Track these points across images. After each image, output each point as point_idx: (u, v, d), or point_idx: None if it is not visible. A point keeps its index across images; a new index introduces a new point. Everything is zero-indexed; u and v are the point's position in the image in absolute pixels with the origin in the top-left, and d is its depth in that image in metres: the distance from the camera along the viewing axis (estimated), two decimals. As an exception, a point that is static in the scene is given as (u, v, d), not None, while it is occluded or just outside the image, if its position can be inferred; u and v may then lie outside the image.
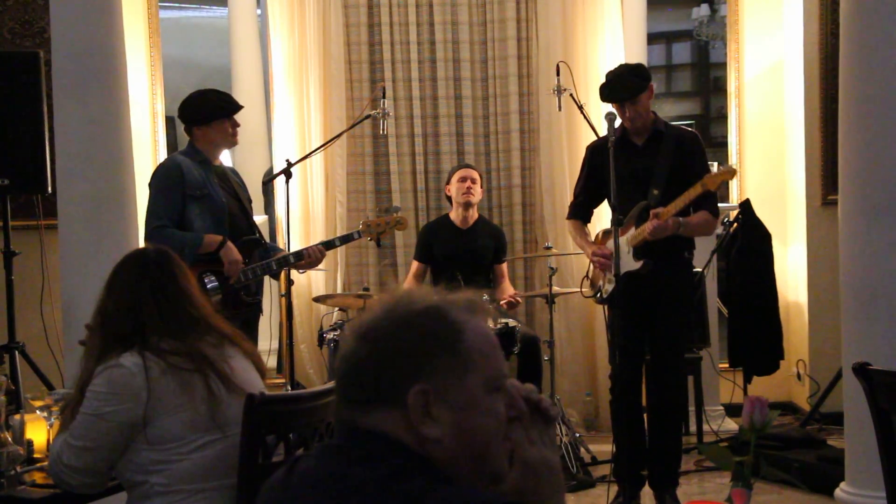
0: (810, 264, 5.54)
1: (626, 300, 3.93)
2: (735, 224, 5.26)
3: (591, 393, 5.46)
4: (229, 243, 3.97)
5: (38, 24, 5.33)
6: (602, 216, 4.81)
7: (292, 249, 4.26)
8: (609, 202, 3.97)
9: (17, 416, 2.70)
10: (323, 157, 5.49)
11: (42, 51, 4.71)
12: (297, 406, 2.42)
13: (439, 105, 5.62)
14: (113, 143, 3.86)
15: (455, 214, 5.24)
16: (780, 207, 5.75)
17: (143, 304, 2.30)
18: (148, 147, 5.62)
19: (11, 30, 5.36)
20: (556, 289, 4.86)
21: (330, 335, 4.85)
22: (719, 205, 4.20)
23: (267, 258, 4.13)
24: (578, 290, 4.43)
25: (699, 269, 4.88)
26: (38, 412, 2.67)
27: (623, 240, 3.97)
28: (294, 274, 4.46)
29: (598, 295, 4.19)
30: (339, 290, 5.50)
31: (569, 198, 4.55)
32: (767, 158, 5.83)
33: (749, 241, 5.30)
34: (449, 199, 5.28)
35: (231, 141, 4.20)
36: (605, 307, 4.21)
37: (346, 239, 4.47)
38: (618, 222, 3.87)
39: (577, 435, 4.85)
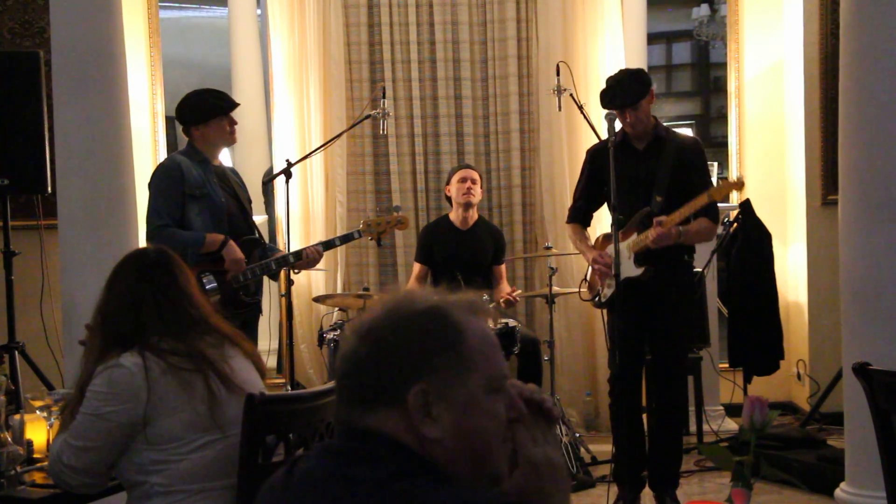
0: (810, 264, 5.54)
1: (626, 303, 3.93)
2: (735, 224, 5.26)
3: (591, 393, 5.46)
4: (231, 242, 3.97)
5: (38, 24, 5.33)
6: (602, 219, 4.81)
7: (292, 249, 4.26)
8: (609, 203, 3.98)
9: (17, 416, 2.70)
10: (323, 157, 5.49)
11: (42, 51, 4.71)
12: (297, 406, 2.42)
13: (439, 105, 5.62)
14: (113, 143, 3.86)
15: (455, 215, 5.24)
16: (780, 207, 5.75)
17: (143, 304, 2.30)
18: (148, 147, 5.62)
19: (11, 30, 5.37)
20: (556, 289, 4.86)
21: (330, 335, 4.85)
22: (719, 205, 4.21)
23: (266, 258, 4.13)
24: (578, 291, 4.42)
25: (699, 269, 4.88)
26: (38, 412, 2.67)
27: (624, 245, 3.97)
28: (294, 274, 4.45)
29: (597, 298, 4.19)
30: (339, 290, 5.50)
31: (569, 198, 4.55)
32: (767, 158, 5.83)
33: (749, 241, 5.30)
34: (448, 199, 5.28)
35: (230, 139, 4.21)
36: (604, 311, 4.22)
37: (346, 238, 4.47)
38: (618, 223, 3.87)
39: (577, 435, 4.85)
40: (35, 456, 2.65)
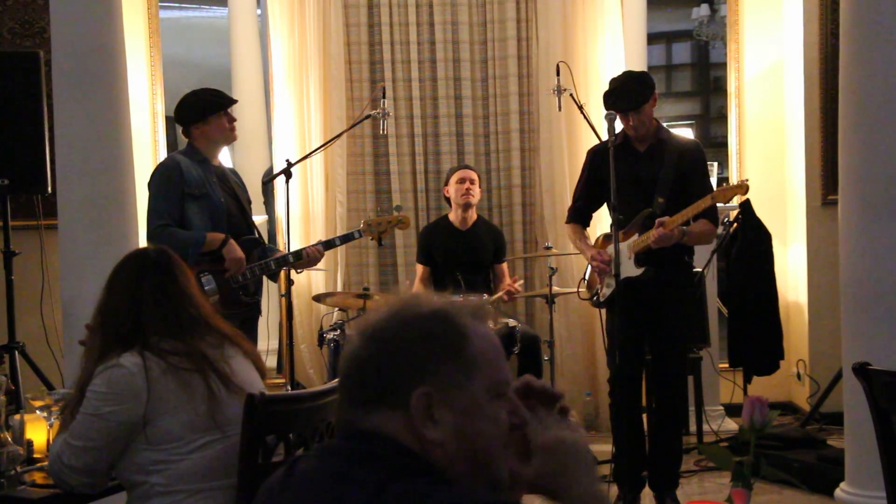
0: (810, 264, 5.54)
1: (626, 303, 3.93)
2: (735, 224, 5.26)
3: (591, 393, 5.46)
4: (232, 241, 3.98)
5: (38, 24, 5.33)
6: (602, 219, 4.81)
7: (292, 249, 4.26)
8: (608, 203, 3.98)
9: (17, 416, 2.70)
10: (323, 157, 5.49)
11: (42, 51, 4.71)
12: (297, 406, 2.42)
13: (439, 105, 5.62)
14: (113, 143, 3.86)
15: (454, 215, 5.24)
16: (780, 207, 5.75)
17: (143, 304, 2.30)
18: (148, 147, 5.62)
19: (11, 30, 5.36)
20: (556, 289, 4.85)
21: (330, 335, 4.85)
22: (721, 204, 4.21)
23: (265, 258, 4.13)
24: (579, 293, 4.42)
25: (699, 269, 4.88)
26: (38, 412, 2.67)
27: (624, 245, 3.97)
28: (294, 274, 4.45)
29: (595, 298, 4.20)
30: (339, 290, 5.50)
31: (569, 198, 4.55)
32: (767, 158, 5.83)
33: (749, 241, 5.30)
34: (447, 199, 5.28)
35: (230, 136, 4.21)
36: (602, 310, 4.22)
37: (346, 238, 4.47)
38: (618, 222, 3.87)
39: (577, 435, 4.84)
40: (35, 456, 2.65)
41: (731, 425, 5.29)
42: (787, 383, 5.75)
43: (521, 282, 5.17)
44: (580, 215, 4.29)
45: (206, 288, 3.87)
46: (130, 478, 2.27)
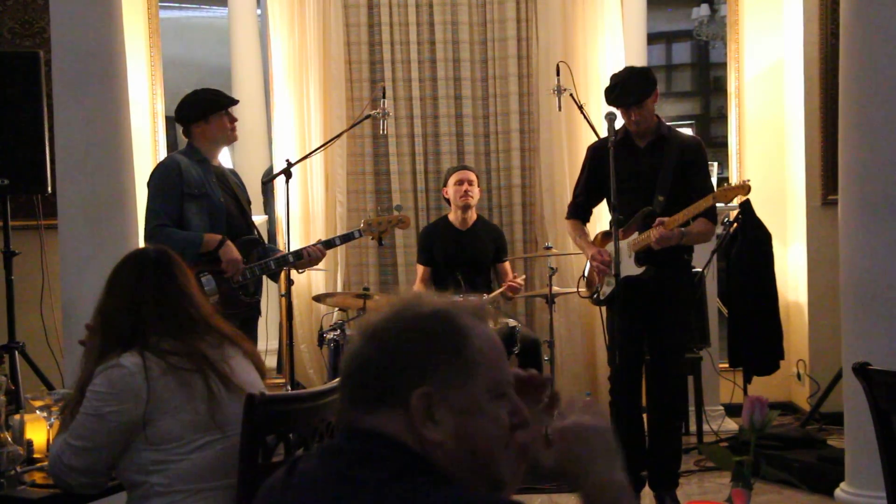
0: (810, 264, 5.54)
1: (625, 302, 3.93)
2: (735, 224, 5.26)
3: (591, 393, 5.46)
4: (228, 242, 3.97)
5: (38, 24, 5.32)
6: (602, 217, 4.81)
7: (292, 249, 4.26)
8: (608, 203, 3.98)
9: (17, 416, 2.70)
10: (323, 157, 5.49)
11: (42, 51, 4.71)
12: (297, 406, 2.42)
13: (439, 105, 5.62)
14: (113, 143, 3.86)
15: (454, 216, 5.24)
16: (780, 207, 5.75)
17: (143, 304, 2.30)
18: (148, 147, 5.62)
19: (11, 30, 5.36)
20: (556, 289, 4.86)
21: (330, 335, 4.85)
22: (721, 204, 4.21)
23: (265, 258, 4.13)
24: (579, 292, 4.42)
25: (699, 269, 4.88)
26: (38, 412, 2.67)
27: (624, 244, 3.97)
28: (294, 274, 4.46)
29: (595, 296, 4.20)
30: (339, 290, 5.50)
31: (569, 198, 4.55)
32: (767, 158, 5.83)
33: (749, 241, 5.30)
34: (447, 200, 5.28)
35: (231, 136, 4.21)
36: (603, 308, 4.22)
37: (346, 238, 4.47)
38: (618, 222, 3.87)
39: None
40: (35, 456, 2.65)
41: (731, 425, 5.29)
42: (787, 383, 5.75)
43: (524, 276, 5.17)
44: (580, 211, 4.29)
45: (205, 288, 3.87)
46: (130, 478, 2.27)
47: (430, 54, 5.63)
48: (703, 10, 8.92)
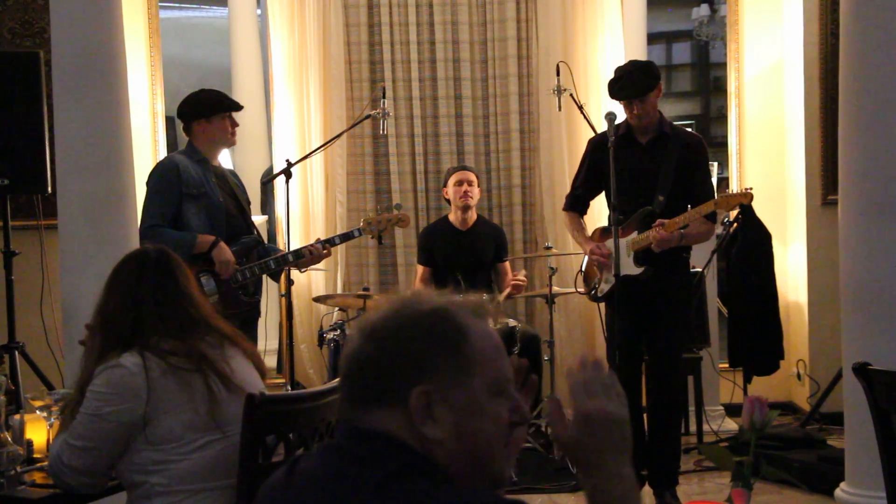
0: (810, 264, 5.54)
1: (624, 301, 3.93)
2: (735, 224, 5.26)
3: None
4: (222, 244, 3.97)
5: (38, 24, 5.32)
6: (601, 212, 4.80)
7: (292, 249, 4.26)
8: (608, 202, 3.97)
9: (17, 416, 2.70)
10: (323, 157, 5.50)
11: (42, 51, 4.71)
12: (297, 406, 2.42)
13: (439, 105, 5.62)
14: (113, 143, 3.85)
15: (454, 216, 5.24)
16: (780, 207, 5.75)
17: (143, 303, 2.30)
18: (148, 147, 5.62)
19: (11, 30, 5.36)
20: (556, 289, 4.86)
21: (330, 335, 4.85)
22: (720, 206, 4.21)
23: (265, 258, 4.14)
24: (577, 289, 4.42)
25: (699, 269, 4.88)
26: (38, 412, 2.67)
27: (623, 242, 3.96)
28: (294, 274, 4.46)
29: (593, 292, 4.19)
30: (339, 291, 5.50)
31: (569, 198, 4.55)
32: (767, 158, 5.83)
33: (749, 241, 5.30)
34: (447, 200, 5.28)
35: (230, 140, 4.23)
36: (601, 305, 4.22)
37: (346, 237, 4.47)
38: (618, 222, 3.87)
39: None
40: (35, 456, 2.65)
41: (731, 425, 5.29)
42: (787, 383, 5.75)
43: (525, 271, 5.18)
44: (578, 203, 4.29)
45: (204, 289, 3.87)
46: (130, 478, 2.27)
47: (430, 54, 5.63)
48: (703, 10, 8.92)
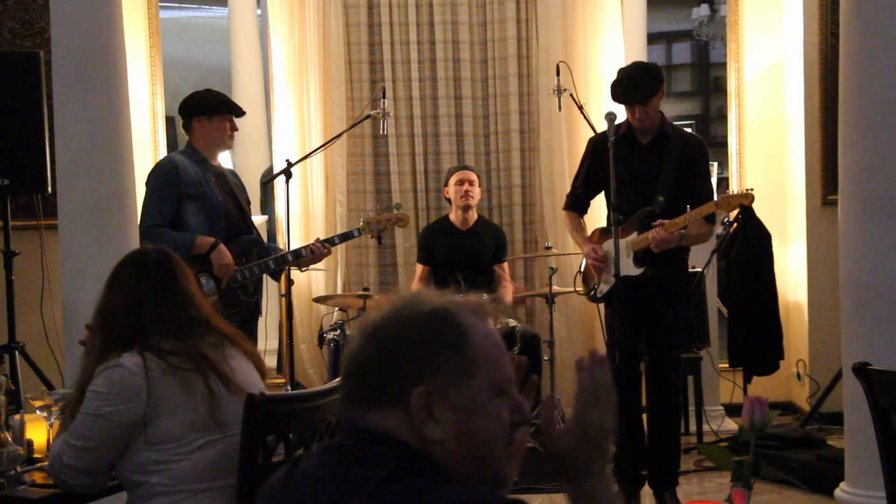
0: (810, 264, 5.54)
1: (624, 301, 3.93)
2: (735, 224, 5.26)
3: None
4: (221, 246, 3.98)
5: (38, 24, 5.32)
6: (601, 212, 4.80)
7: (291, 249, 4.26)
8: (608, 202, 3.97)
9: (17, 416, 2.70)
10: (323, 157, 5.50)
11: (42, 51, 4.71)
12: (297, 406, 2.42)
13: (439, 105, 5.62)
14: (113, 143, 3.85)
15: (455, 216, 5.24)
16: (780, 207, 5.75)
17: (143, 303, 2.30)
18: (148, 147, 5.62)
19: (11, 30, 5.36)
20: (556, 289, 4.86)
21: (330, 335, 4.85)
22: (720, 206, 4.21)
23: (265, 258, 4.14)
24: (576, 290, 4.42)
25: (699, 269, 4.88)
26: (38, 412, 2.67)
27: (623, 243, 3.96)
28: (294, 274, 4.46)
29: (592, 293, 4.19)
30: (339, 291, 5.50)
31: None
32: (767, 158, 5.83)
33: (749, 241, 5.30)
34: (448, 199, 5.28)
35: (227, 141, 4.24)
36: (601, 305, 4.22)
37: (345, 237, 4.47)
38: (617, 222, 3.87)
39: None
40: (35, 456, 2.65)
41: (731, 425, 5.29)
42: (787, 383, 5.75)
43: (523, 291, 5.19)
44: (578, 203, 4.29)
45: (203, 289, 3.86)
46: (131, 478, 2.27)
47: (430, 54, 5.63)
48: (703, 10, 8.92)
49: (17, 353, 4.58)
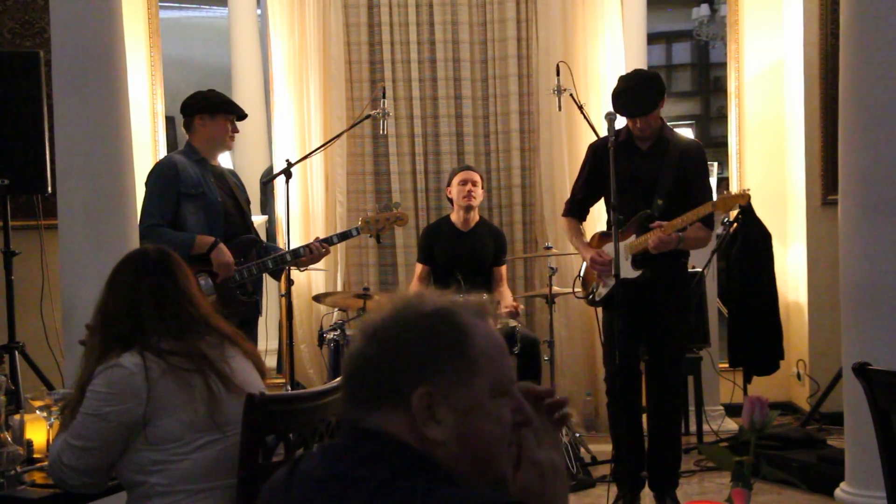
0: (810, 264, 5.54)
1: (623, 303, 3.92)
2: (735, 224, 5.26)
3: (591, 393, 5.46)
4: (221, 245, 3.98)
5: (38, 24, 5.32)
6: (600, 218, 4.80)
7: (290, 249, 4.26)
8: (608, 204, 3.97)
9: (17, 416, 2.70)
10: (323, 157, 5.50)
11: (42, 51, 4.71)
12: (297, 406, 2.42)
13: (439, 105, 5.62)
14: (113, 143, 3.86)
15: (456, 216, 5.24)
16: (780, 207, 5.75)
17: (143, 303, 2.30)
18: (148, 147, 5.62)
19: (11, 30, 5.36)
20: (556, 289, 4.85)
21: (330, 335, 4.85)
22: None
23: (264, 257, 4.14)
24: (575, 293, 4.42)
25: (699, 269, 4.88)
26: (38, 412, 2.67)
27: (622, 246, 3.96)
28: (294, 274, 4.46)
29: (591, 297, 4.19)
30: (339, 291, 5.50)
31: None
32: (767, 158, 5.83)
33: (749, 241, 5.30)
34: (450, 199, 5.28)
35: (227, 142, 4.25)
36: (599, 309, 4.22)
37: (344, 236, 4.46)
38: (618, 222, 3.87)
39: (577, 435, 4.85)
40: (35, 456, 2.65)
41: (731, 425, 5.29)
42: (787, 383, 5.75)
43: (521, 307, 5.18)
44: (578, 209, 4.29)
45: (203, 288, 3.86)
46: (130, 478, 2.27)
47: (430, 54, 5.63)
48: (703, 10, 8.92)
49: (17, 353, 4.58)
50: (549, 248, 5.06)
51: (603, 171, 3.98)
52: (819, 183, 5.51)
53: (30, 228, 4.99)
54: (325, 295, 5.15)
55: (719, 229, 5.08)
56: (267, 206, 6.62)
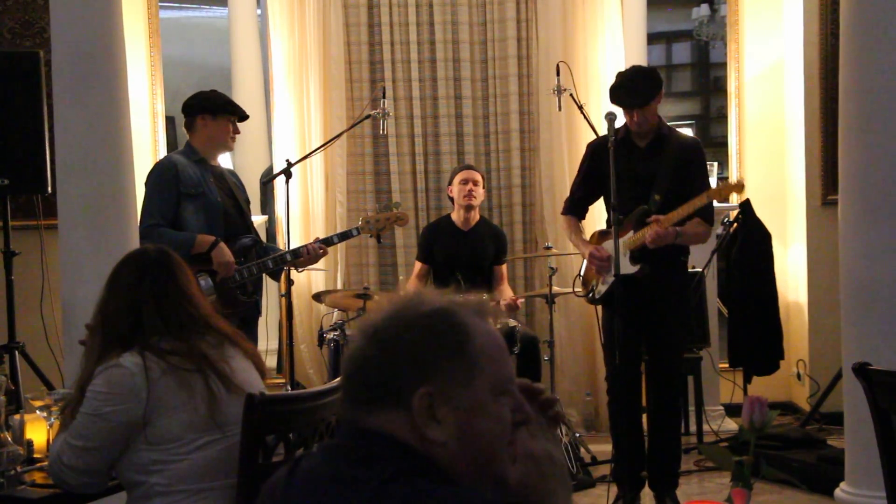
0: (810, 264, 5.54)
1: (623, 301, 3.92)
2: (735, 224, 5.26)
3: (591, 393, 5.46)
4: (221, 244, 3.98)
5: (38, 24, 5.32)
6: (599, 216, 4.81)
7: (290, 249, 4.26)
8: (607, 203, 3.97)
9: (17, 416, 2.70)
10: (323, 157, 5.50)
11: (42, 51, 4.71)
12: (297, 406, 2.42)
13: (439, 105, 5.62)
14: (113, 143, 3.85)
15: (456, 216, 5.23)
16: (780, 207, 5.75)
17: (143, 303, 2.30)
18: (148, 147, 5.62)
19: (11, 30, 5.36)
20: (556, 289, 4.85)
21: (330, 335, 4.85)
22: (720, 205, 4.21)
23: (264, 258, 4.14)
24: (575, 292, 4.42)
25: (699, 269, 4.88)
26: (38, 412, 2.67)
27: (620, 241, 3.96)
28: (294, 274, 4.46)
29: (591, 295, 4.20)
30: (339, 290, 5.50)
31: (569, 197, 4.56)
32: (767, 158, 5.83)
33: (749, 241, 5.30)
34: (451, 198, 5.28)
35: (228, 142, 4.25)
36: (598, 307, 4.22)
37: (344, 236, 4.47)
38: (618, 222, 3.87)
39: (577, 435, 4.85)
40: (35, 456, 2.65)
41: (731, 425, 5.29)
42: (787, 383, 5.75)
43: (522, 300, 5.18)
44: (577, 208, 4.29)
45: (203, 288, 3.86)
46: (130, 478, 2.27)
47: (430, 54, 5.63)
48: (703, 10, 8.92)
49: (17, 353, 4.58)
50: (549, 247, 5.06)
51: (601, 169, 3.98)
52: (819, 183, 5.51)
53: (30, 228, 4.99)
54: (326, 293, 5.16)
55: (719, 229, 5.08)
56: (267, 206, 6.62)
